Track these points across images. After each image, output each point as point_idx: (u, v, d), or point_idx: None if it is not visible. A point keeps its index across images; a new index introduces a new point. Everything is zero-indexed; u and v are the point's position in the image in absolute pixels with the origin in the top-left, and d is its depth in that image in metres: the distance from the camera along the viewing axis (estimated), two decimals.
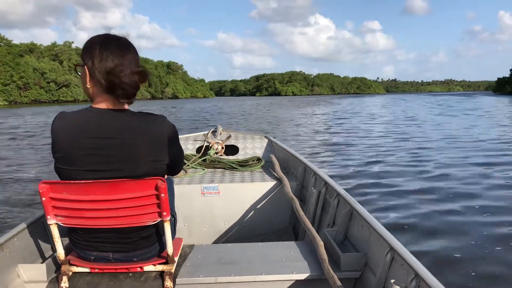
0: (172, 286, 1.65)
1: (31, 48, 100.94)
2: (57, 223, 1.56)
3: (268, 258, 1.83)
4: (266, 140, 3.92)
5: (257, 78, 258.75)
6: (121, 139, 1.45)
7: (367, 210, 1.85)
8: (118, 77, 1.42)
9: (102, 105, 1.48)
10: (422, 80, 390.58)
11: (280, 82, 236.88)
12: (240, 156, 3.79)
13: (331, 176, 2.49)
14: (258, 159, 3.52)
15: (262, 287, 1.71)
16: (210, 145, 3.78)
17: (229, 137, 3.88)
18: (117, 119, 1.47)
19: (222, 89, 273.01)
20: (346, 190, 2.14)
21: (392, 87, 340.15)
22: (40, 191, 1.48)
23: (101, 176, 1.46)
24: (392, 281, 1.37)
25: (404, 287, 1.34)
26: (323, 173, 2.57)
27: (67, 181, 1.46)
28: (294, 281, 1.70)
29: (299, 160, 3.08)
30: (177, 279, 1.68)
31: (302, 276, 1.69)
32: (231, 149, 3.86)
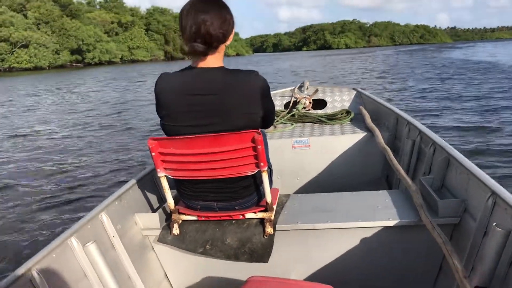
0: (272, 232, 1.76)
1: None
2: (166, 176, 1.70)
3: (363, 206, 1.84)
4: (355, 92, 3.77)
5: (303, 30, 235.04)
6: (219, 95, 1.54)
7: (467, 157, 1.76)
8: (201, 35, 1.50)
9: (200, 64, 1.57)
10: (484, 27, 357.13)
11: (331, 33, 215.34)
12: (328, 109, 3.72)
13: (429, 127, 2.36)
14: (347, 112, 3.44)
15: (358, 233, 1.75)
16: (298, 100, 3.71)
17: (316, 91, 3.78)
18: (214, 77, 1.56)
19: (264, 44, 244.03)
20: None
21: (453, 35, 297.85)
22: (150, 146, 1.62)
23: (203, 130, 1.57)
24: (495, 224, 1.36)
25: (508, 230, 1.32)
26: (417, 122, 2.49)
27: (173, 137, 1.58)
28: (389, 227, 1.72)
29: (391, 110, 2.98)
30: (276, 226, 1.77)
31: (398, 223, 1.69)
32: (319, 103, 3.78)
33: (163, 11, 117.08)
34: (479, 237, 1.51)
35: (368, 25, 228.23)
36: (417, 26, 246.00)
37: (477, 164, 1.69)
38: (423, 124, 2.45)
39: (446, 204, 1.66)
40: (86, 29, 76.12)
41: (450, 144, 2.00)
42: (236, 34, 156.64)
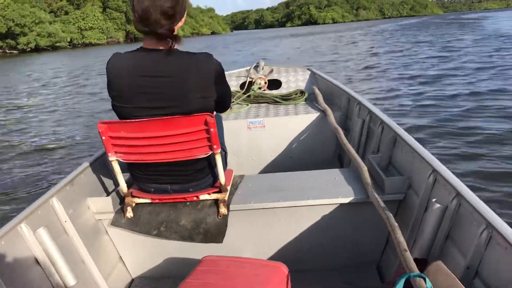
0: (226, 212, 1.86)
1: None
2: (117, 160, 1.77)
3: (314, 184, 1.98)
4: (309, 72, 3.93)
5: (287, 4, 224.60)
6: (172, 78, 1.61)
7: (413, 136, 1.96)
8: (148, 18, 1.54)
9: (151, 45, 1.63)
10: None
11: (317, 7, 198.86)
12: (283, 90, 3.88)
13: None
14: (302, 92, 3.62)
15: (309, 211, 1.88)
16: (253, 81, 3.84)
17: (271, 71, 3.93)
18: (167, 59, 1.61)
19: (245, 21, 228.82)
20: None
21: (441, 7, 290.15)
22: (100, 130, 1.66)
23: (155, 113, 1.64)
24: (434, 200, 1.52)
25: (445, 205, 1.48)
26: (367, 102, 2.66)
27: (124, 120, 1.66)
28: (339, 204, 1.85)
29: (343, 90, 3.16)
30: (230, 206, 1.89)
31: (347, 200, 1.83)
32: (274, 83, 3.93)
33: None
34: (421, 212, 1.67)
35: None
36: None
37: (421, 142, 1.87)
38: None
39: (391, 181, 1.81)
40: (17, 8, 60.75)
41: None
42: (212, 10, 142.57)
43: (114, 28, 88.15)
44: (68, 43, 75.07)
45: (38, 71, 24.67)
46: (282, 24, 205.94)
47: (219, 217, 1.86)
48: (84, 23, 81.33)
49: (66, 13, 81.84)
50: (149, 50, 1.61)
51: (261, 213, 1.89)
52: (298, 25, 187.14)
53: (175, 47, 1.63)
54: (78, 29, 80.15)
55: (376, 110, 2.46)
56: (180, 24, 1.65)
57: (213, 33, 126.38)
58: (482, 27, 31.75)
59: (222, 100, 1.85)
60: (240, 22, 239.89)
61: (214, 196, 1.89)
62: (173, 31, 1.62)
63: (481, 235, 1.26)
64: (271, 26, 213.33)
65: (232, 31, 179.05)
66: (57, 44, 70.56)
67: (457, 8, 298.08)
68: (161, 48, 1.61)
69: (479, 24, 36.51)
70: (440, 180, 1.56)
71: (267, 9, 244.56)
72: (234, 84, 3.94)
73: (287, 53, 22.94)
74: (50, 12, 79.14)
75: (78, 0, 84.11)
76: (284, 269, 1.45)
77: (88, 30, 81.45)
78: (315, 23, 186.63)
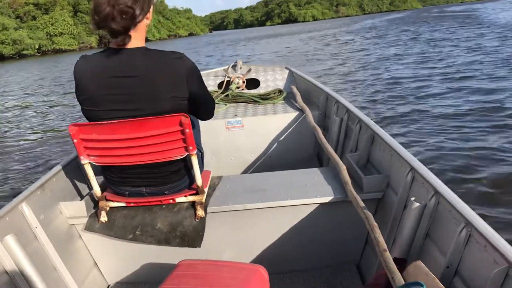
0: (203, 215, 1.84)
1: None
2: (90, 162, 1.75)
3: (293, 184, 1.98)
4: (287, 71, 3.94)
5: (265, 3, 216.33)
6: (139, 77, 1.58)
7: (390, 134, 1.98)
8: (99, 16, 1.50)
9: (114, 45, 1.60)
10: None
11: (296, 5, 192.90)
12: (261, 89, 3.88)
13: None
14: (280, 91, 3.62)
15: (289, 211, 1.88)
16: (231, 80, 3.85)
17: (249, 70, 3.94)
18: (136, 58, 1.59)
19: (224, 21, 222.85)
20: None
21: (419, 0, 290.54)
22: (71, 133, 1.65)
23: (126, 115, 1.61)
24: (413, 198, 1.51)
25: (424, 204, 1.48)
26: (345, 100, 2.68)
27: (95, 123, 1.63)
28: (318, 204, 1.86)
29: (321, 89, 3.19)
30: (208, 208, 1.87)
31: (326, 199, 1.84)
32: (252, 83, 3.94)
33: None
34: (399, 210, 1.67)
35: None
36: None
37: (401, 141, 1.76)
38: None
39: (370, 180, 1.82)
40: None
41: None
42: (189, 11, 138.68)
43: (86, 33, 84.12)
44: (36, 50, 70.73)
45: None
46: (261, 23, 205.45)
47: (196, 219, 1.84)
48: (54, 29, 77.43)
49: (34, 18, 77.38)
50: (117, 49, 1.58)
51: (239, 214, 1.89)
52: (278, 24, 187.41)
53: (143, 45, 1.62)
54: (47, 35, 75.87)
55: (354, 108, 2.48)
56: (147, 21, 1.61)
57: (190, 34, 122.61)
58: (481, 19, 29.51)
59: (203, 103, 1.82)
60: (219, 22, 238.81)
61: (191, 198, 1.87)
62: (129, 28, 1.54)
63: (460, 234, 1.27)
64: (250, 25, 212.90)
65: (211, 31, 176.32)
66: (24, 52, 66.21)
67: (434, 2, 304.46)
68: (130, 47, 1.58)
69: (475, 17, 34.18)
70: (418, 178, 1.57)
71: (246, 8, 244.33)
72: (212, 84, 3.96)
73: (275, 59, 19.00)
74: (16, 18, 74.63)
75: (46, 4, 79.60)
76: (263, 271, 1.46)
77: (58, 36, 77.51)
78: (295, 21, 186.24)
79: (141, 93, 1.57)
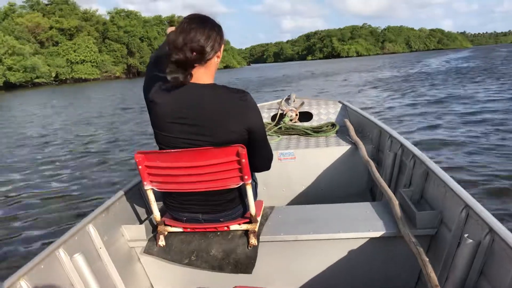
0: (256, 243, 1.94)
1: None
2: (152, 188, 1.88)
3: (345, 217, 2.06)
4: (340, 105, 4.05)
5: (307, 37, 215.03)
6: (206, 111, 1.74)
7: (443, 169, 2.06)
8: (170, 47, 1.69)
9: (192, 80, 1.78)
10: (495, 31, 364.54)
11: (339, 40, 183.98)
12: (314, 122, 4.00)
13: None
14: (333, 125, 3.72)
15: (339, 244, 1.95)
16: (285, 113, 3.96)
17: (302, 103, 4.05)
18: (202, 92, 1.74)
19: (264, 54, 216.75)
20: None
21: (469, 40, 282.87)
22: (136, 160, 1.78)
23: (190, 144, 1.77)
24: (467, 235, 1.52)
25: (478, 241, 1.49)
26: (399, 135, 2.75)
27: (159, 151, 1.81)
28: (370, 238, 1.91)
29: (375, 123, 3.25)
30: (260, 237, 1.97)
31: (378, 234, 1.89)
32: (305, 116, 4.05)
33: (128, 14, 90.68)
34: (453, 247, 1.71)
35: (381, 30, 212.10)
36: (433, 30, 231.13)
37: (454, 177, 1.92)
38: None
39: (423, 216, 1.86)
40: None
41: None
42: (227, 43, 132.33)
43: (112, 61, 77.73)
44: (53, 79, 63.97)
45: None
46: (302, 57, 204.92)
47: (249, 247, 1.94)
48: (75, 56, 71.12)
49: (56, 43, 71.49)
50: (190, 84, 1.75)
51: (291, 245, 1.98)
52: (320, 58, 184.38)
53: (213, 82, 1.79)
54: (67, 62, 69.41)
55: (408, 143, 2.54)
56: (216, 59, 1.77)
57: (226, 67, 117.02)
58: None
59: (259, 147, 1.90)
60: (259, 55, 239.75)
61: (244, 226, 1.98)
62: (212, 65, 1.76)
63: None
64: (291, 59, 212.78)
65: (249, 64, 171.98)
66: (37, 80, 59.34)
67: (483, 42, 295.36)
68: (201, 83, 1.76)
69: None
70: (472, 215, 1.58)
71: (287, 41, 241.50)
72: (265, 116, 4.11)
73: None
74: (39, 42, 68.45)
75: (71, 30, 73.72)
76: None
77: (79, 64, 70.88)
78: (337, 56, 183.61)
79: (206, 125, 1.72)
